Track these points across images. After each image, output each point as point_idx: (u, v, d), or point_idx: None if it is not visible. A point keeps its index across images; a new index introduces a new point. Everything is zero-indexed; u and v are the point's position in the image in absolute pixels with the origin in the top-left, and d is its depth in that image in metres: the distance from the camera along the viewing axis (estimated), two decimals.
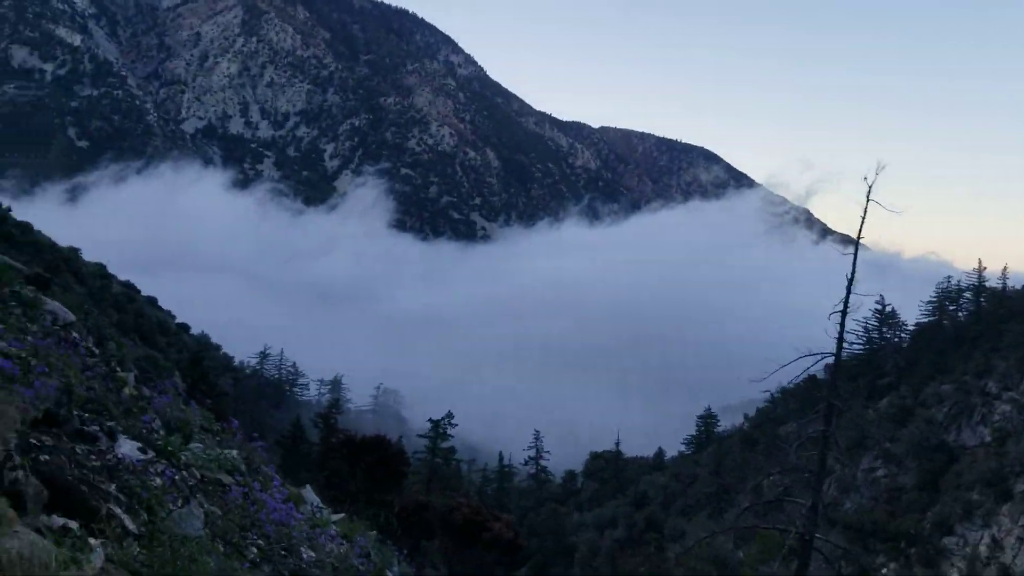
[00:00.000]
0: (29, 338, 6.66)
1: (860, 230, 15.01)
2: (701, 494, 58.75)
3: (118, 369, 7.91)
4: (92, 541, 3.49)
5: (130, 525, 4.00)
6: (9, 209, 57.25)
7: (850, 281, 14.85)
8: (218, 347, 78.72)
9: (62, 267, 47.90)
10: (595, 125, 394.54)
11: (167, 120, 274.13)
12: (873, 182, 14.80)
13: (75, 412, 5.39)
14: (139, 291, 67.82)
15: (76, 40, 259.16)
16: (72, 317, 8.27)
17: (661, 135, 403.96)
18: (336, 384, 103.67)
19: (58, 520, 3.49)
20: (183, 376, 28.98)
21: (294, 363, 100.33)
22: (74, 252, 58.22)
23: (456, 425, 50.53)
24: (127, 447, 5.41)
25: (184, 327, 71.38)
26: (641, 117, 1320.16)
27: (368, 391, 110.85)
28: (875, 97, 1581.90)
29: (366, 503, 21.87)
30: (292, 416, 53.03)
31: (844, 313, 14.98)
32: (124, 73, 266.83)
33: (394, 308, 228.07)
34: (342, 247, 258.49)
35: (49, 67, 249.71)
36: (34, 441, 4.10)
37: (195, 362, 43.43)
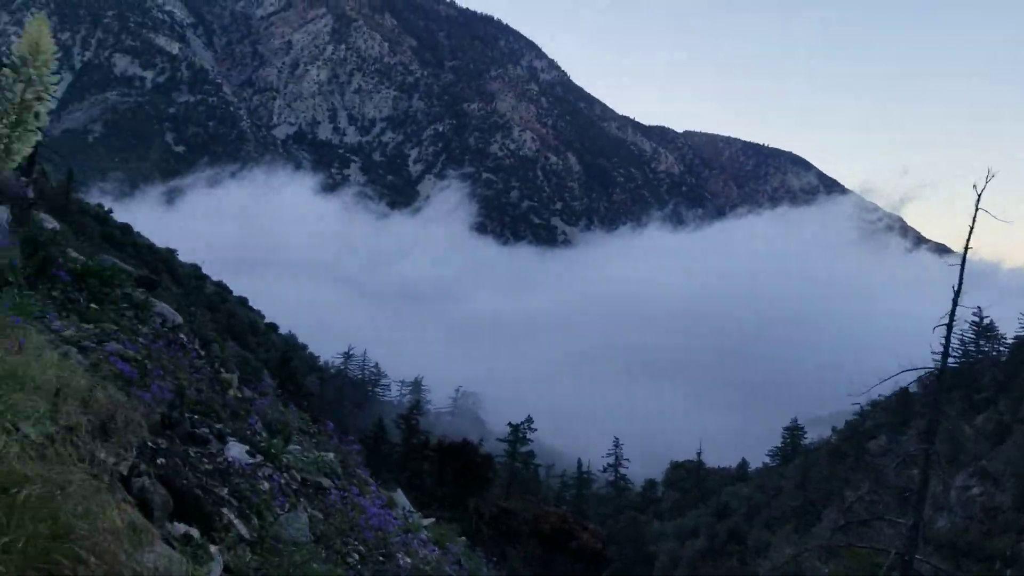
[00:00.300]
0: (141, 340, 6.83)
1: (968, 239, 14.21)
2: (786, 507, 57.31)
3: (222, 371, 8.07)
4: (212, 549, 3.51)
5: (243, 531, 4.02)
6: (110, 211, 59.88)
7: (957, 293, 14.07)
8: (304, 347, 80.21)
9: (161, 268, 49.68)
10: (679, 129, 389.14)
11: (259, 126, 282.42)
12: (983, 190, 14.08)
13: (186, 415, 5.49)
14: (231, 292, 69.64)
15: (175, 49, 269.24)
16: (179, 319, 8.48)
17: (747, 139, 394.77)
18: (417, 386, 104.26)
19: (179, 527, 3.52)
20: (271, 376, 29.67)
21: (376, 364, 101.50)
22: (171, 253, 60.40)
23: (535, 430, 50.33)
24: (236, 450, 5.49)
25: (272, 327, 72.89)
26: (727, 121, 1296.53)
27: (448, 393, 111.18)
28: (974, 102, 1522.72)
29: (450, 507, 21.97)
30: (374, 416, 53.72)
31: (950, 327, 14.24)
32: (219, 80, 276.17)
33: (474, 311, 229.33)
34: (424, 250, 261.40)
35: (149, 75, 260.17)
36: (151, 444, 4.17)
37: (283, 362, 44.47)
